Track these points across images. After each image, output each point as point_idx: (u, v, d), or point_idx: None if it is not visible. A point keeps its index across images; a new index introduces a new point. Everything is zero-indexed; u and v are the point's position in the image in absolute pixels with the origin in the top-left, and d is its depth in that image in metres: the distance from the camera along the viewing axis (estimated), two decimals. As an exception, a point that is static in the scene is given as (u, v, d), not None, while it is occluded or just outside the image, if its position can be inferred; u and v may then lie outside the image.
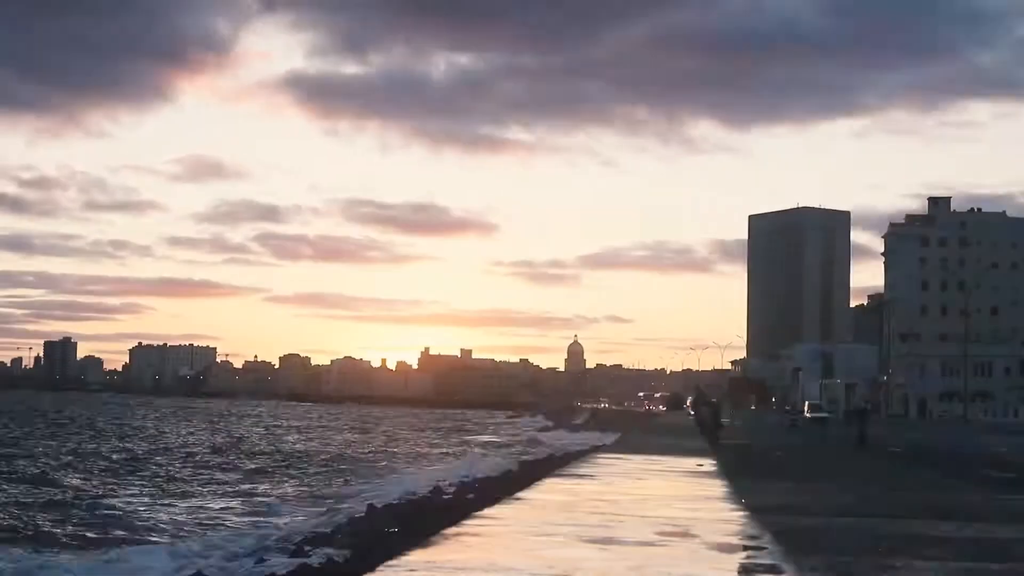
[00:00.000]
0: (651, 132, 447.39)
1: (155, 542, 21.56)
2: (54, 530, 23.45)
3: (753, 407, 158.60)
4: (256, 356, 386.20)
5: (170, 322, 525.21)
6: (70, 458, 45.27)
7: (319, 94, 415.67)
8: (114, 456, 47.67)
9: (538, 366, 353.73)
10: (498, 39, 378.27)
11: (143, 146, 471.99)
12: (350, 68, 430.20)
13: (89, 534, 22.92)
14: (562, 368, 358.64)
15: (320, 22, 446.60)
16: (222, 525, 24.53)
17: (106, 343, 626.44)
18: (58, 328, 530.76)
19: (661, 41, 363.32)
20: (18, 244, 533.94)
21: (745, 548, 10.90)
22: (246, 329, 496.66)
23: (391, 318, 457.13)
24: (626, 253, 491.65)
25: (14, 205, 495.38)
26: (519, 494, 16.18)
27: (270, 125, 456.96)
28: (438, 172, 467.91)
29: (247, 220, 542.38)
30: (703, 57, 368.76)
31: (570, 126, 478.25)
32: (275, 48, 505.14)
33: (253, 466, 44.58)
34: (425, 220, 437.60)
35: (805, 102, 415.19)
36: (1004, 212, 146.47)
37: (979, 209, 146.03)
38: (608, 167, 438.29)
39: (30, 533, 22.89)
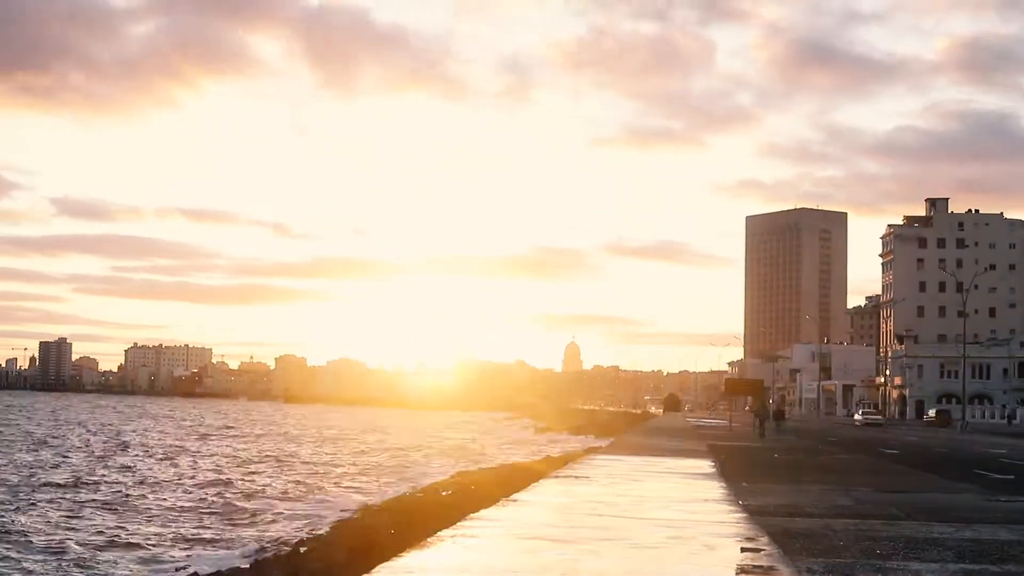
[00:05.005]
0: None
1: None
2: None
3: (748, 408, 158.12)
4: (252, 356, 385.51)
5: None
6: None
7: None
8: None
9: (534, 367, 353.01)
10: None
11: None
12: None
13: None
14: (559, 369, 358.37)
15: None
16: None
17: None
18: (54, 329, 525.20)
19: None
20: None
21: (743, 550, 10.85)
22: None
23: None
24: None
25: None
26: (516, 496, 16.11)
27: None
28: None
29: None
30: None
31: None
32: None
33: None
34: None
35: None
36: (1002, 214, 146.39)
37: (977, 210, 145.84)
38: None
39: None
